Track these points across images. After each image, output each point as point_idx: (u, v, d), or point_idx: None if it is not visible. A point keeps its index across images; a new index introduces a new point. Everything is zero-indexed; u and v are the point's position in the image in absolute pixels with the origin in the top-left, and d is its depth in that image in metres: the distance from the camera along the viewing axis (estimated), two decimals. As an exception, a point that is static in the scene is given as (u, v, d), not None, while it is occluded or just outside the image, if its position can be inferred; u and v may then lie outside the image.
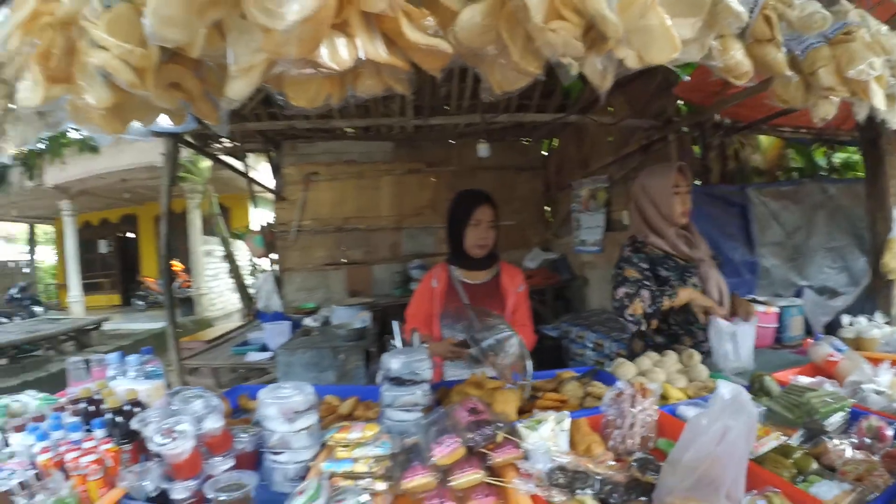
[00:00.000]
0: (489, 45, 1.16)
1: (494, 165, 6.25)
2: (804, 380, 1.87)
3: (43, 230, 17.55)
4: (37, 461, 1.31)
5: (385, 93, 1.30)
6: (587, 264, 5.79)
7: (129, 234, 15.43)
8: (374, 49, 1.09)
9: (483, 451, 1.26)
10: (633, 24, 1.14)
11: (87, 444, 1.34)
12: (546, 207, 6.87)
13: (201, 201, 10.58)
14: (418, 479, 1.20)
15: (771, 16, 1.60)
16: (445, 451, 1.23)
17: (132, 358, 1.75)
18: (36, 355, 8.56)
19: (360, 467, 1.25)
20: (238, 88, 1.06)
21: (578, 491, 1.14)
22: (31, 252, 17.16)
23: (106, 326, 10.08)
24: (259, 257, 6.61)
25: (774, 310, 2.80)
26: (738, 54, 1.50)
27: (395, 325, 2.04)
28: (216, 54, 1.07)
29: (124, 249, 15.45)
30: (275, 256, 6.30)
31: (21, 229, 18.01)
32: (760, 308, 2.77)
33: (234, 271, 7.50)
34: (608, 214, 5.28)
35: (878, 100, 1.79)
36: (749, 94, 3.23)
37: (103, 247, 15.61)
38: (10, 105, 1.28)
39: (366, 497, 1.14)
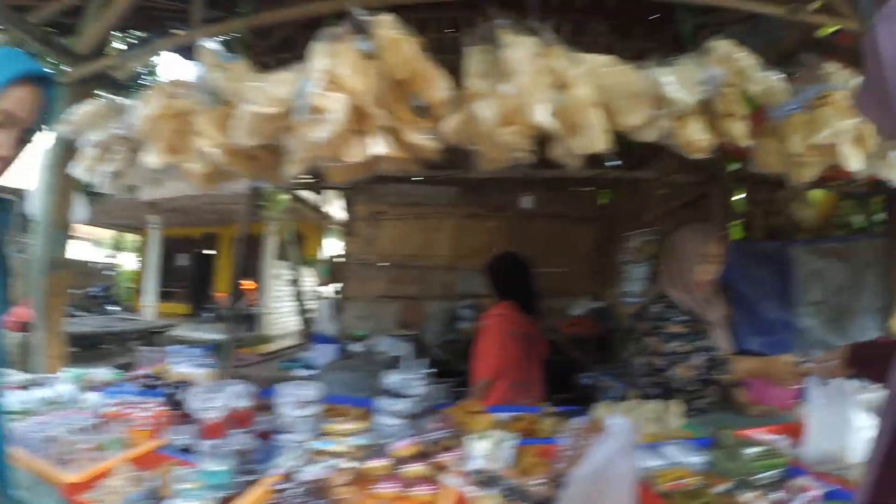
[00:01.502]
0: (465, 142, 1.57)
1: (551, 213, 6.58)
2: (764, 436, 1.89)
3: (129, 238, 18.96)
4: (100, 412, 1.87)
5: (399, 173, 1.79)
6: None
7: (207, 251, 16.38)
8: (384, 147, 1.51)
9: (432, 450, 1.66)
10: (576, 122, 1.51)
11: (142, 406, 1.90)
12: (600, 257, 6.98)
13: (278, 228, 11.26)
14: (376, 463, 1.60)
15: (729, 93, 1.75)
16: (403, 445, 1.66)
17: (191, 350, 2.26)
18: (106, 348, 9.36)
19: (339, 448, 1.68)
20: (291, 171, 1.60)
21: (487, 490, 1.44)
22: (115, 257, 18.87)
23: (173, 332, 10.87)
24: (323, 285, 7.08)
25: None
26: (693, 131, 1.69)
27: None
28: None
29: (201, 264, 16.40)
30: (337, 285, 6.77)
31: (108, 234, 19.46)
32: None
33: (299, 295, 7.99)
34: (653, 267, 5.36)
35: (854, 162, 1.85)
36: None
37: (182, 260, 16.65)
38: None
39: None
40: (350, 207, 6.77)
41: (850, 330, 4.23)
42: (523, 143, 1.50)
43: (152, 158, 1.67)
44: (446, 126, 1.59)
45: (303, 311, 8.57)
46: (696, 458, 1.72)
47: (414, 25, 1.54)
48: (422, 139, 1.56)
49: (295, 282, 8.99)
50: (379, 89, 1.47)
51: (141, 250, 16.30)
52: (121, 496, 1.40)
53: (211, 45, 1.69)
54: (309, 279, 9.46)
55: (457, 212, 6.73)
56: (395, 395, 1.97)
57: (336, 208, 7.41)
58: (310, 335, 6.96)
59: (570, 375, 4.93)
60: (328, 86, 1.40)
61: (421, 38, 1.54)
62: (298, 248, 10.11)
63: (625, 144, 1.82)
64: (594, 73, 1.55)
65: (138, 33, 3.80)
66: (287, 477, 1.54)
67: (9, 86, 1.02)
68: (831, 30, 2.81)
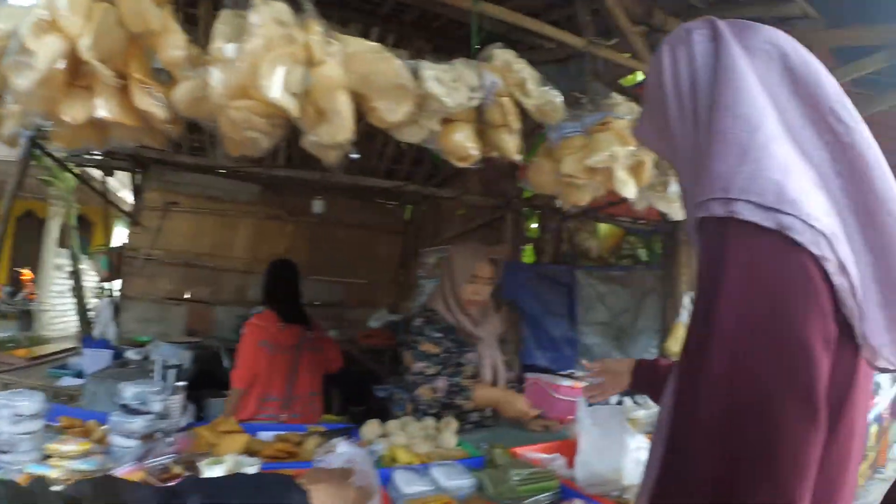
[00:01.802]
0: (203, 116, 1.38)
1: (356, 223, 6.51)
2: (537, 455, 1.86)
3: None
4: None
5: (137, 143, 1.51)
6: (422, 329, 5.97)
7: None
8: (108, 110, 1.29)
9: (161, 477, 1.42)
10: (322, 106, 1.38)
11: None
12: (402, 271, 7.08)
13: (64, 209, 9.96)
14: None
15: (505, 103, 1.72)
16: (125, 472, 1.42)
17: None
18: None
19: (56, 474, 1.43)
20: (7, 128, 1.33)
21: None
22: None
23: None
24: (104, 280, 6.33)
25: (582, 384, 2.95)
26: (460, 138, 1.64)
27: None
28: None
29: (-33, 247, 14.10)
30: (120, 282, 6.01)
31: None
32: (567, 382, 3.02)
33: (77, 291, 7.08)
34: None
35: (627, 189, 1.89)
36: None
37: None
38: None
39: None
40: (139, 193, 6.01)
41: (631, 348, 4.65)
42: (258, 122, 1.32)
43: None
44: (177, 93, 1.37)
45: (82, 310, 7.62)
46: (463, 482, 1.64)
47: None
48: (152, 106, 1.33)
49: (75, 274, 7.98)
50: (110, 39, 1.23)
51: None
52: None
53: None
54: (91, 273, 8.44)
55: (258, 211, 6.34)
56: (132, 411, 1.72)
57: (129, 194, 6.64)
58: (84, 338, 6.21)
59: (367, 387, 4.88)
60: (44, 25, 1.15)
61: None
62: (82, 236, 9.03)
63: (430, 162, 1.75)
64: (350, 56, 1.43)
65: None
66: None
67: None
68: (636, 79, 3.04)
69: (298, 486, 0.77)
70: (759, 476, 0.66)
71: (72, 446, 1.58)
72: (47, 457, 1.55)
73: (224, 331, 5.97)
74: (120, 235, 7.40)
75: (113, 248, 6.11)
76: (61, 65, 1.22)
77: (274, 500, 0.73)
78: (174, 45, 1.37)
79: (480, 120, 1.73)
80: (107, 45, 1.26)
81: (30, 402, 1.61)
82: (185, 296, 6.07)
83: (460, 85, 1.61)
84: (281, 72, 1.30)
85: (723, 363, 0.70)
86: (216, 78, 1.30)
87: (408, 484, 1.57)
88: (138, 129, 1.41)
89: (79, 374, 4.42)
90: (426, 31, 2.95)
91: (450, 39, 2.88)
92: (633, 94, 2.35)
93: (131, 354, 4.62)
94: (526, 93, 1.78)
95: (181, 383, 2.05)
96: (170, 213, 5.98)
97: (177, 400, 1.91)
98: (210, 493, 0.70)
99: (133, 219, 5.97)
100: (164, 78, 1.44)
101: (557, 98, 1.85)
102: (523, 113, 1.85)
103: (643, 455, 1.58)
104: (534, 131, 2.11)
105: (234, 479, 0.77)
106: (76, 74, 1.29)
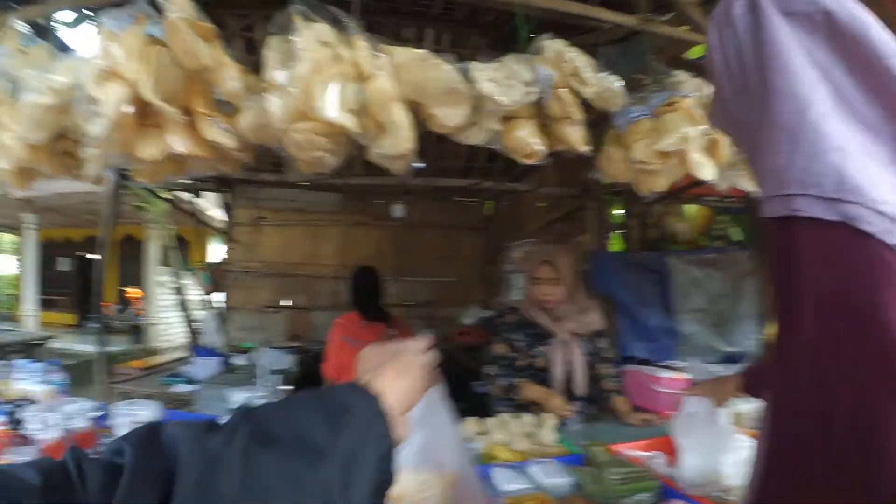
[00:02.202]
0: (269, 140, 1.45)
1: (438, 223, 6.61)
2: (636, 454, 1.80)
3: (7, 238, 17.20)
4: None
5: (214, 171, 1.60)
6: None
7: (91, 255, 15.21)
8: (180, 145, 1.38)
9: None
10: (380, 119, 1.40)
11: None
12: (488, 267, 7.05)
13: (160, 232, 10.63)
14: None
15: (563, 95, 1.66)
16: None
17: (36, 365, 2.22)
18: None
19: None
20: (89, 170, 1.44)
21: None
22: None
23: (55, 345, 9.96)
24: (207, 293, 6.72)
25: (686, 376, 2.87)
26: (523, 136, 1.61)
27: None
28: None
29: (84, 269, 15.16)
30: (222, 294, 6.42)
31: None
32: (667, 373, 2.89)
33: (183, 305, 7.55)
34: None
35: (705, 171, 1.78)
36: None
37: (63, 264, 15.44)
38: None
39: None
40: (230, 211, 6.40)
41: (732, 336, 4.39)
42: (321, 142, 1.37)
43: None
44: (242, 122, 1.44)
45: (188, 322, 8.10)
46: (561, 480, 1.61)
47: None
48: (220, 136, 1.41)
49: (179, 290, 8.50)
50: (169, 79, 1.31)
51: (18, 252, 14.97)
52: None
53: (18, 26, 1.50)
54: (193, 288, 8.97)
55: (342, 219, 6.56)
56: None
57: (219, 212, 7.03)
58: (194, 348, 6.61)
59: (465, 384, 4.92)
60: (105, 74, 1.24)
61: (215, 23, 1.38)
62: (181, 254, 9.59)
63: (505, 156, 1.76)
64: (400, 66, 1.43)
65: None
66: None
67: None
68: (700, 52, 2.90)
69: (365, 389, 0.72)
70: (860, 481, 0.62)
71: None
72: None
73: (323, 334, 6.04)
74: (216, 251, 7.83)
75: (212, 263, 6.48)
76: (129, 109, 1.30)
77: (338, 405, 0.67)
78: (230, 77, 1.44)
79: (541, 115, 1.69)
80: (167, 85, 1.33)
81: (148, 411, 1.82)
82: (283, 303, 6.38)
83: (514, 82, 1.57)
84: (334, 91, 1.32)
85: (813, 378, 0.65)
86: (274, 104, 1.34)
87: (506, 482, 1.57)
88: (212, 159, 1.51)
89: (189, 381, 4.66)
90: (479, 27, 2.93)
91: (503, 32, 2.83)
92: (700, 66, 2.22)
93: (238, 361, 4.87)
94: (583, 81, 1.71)
95: (286, 386, 2.16)
96: (260, 227, 6.33)
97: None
98: (264, 418, 0.63)
99: (227, 235, 6.34)
100: (228, 108, 1.51)
101: (616, 83, 1.76)
102: (585, 102, 1.78)
103: (747, 454, 1.48)
104: (602, 119, 2.04)
105: (291, 400, 0.69)
106: (145, 115, 1.37)
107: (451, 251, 6.71)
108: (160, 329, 12.19)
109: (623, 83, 1.79)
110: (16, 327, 11.91)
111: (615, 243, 5.13)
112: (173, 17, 1.25)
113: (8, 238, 16.98)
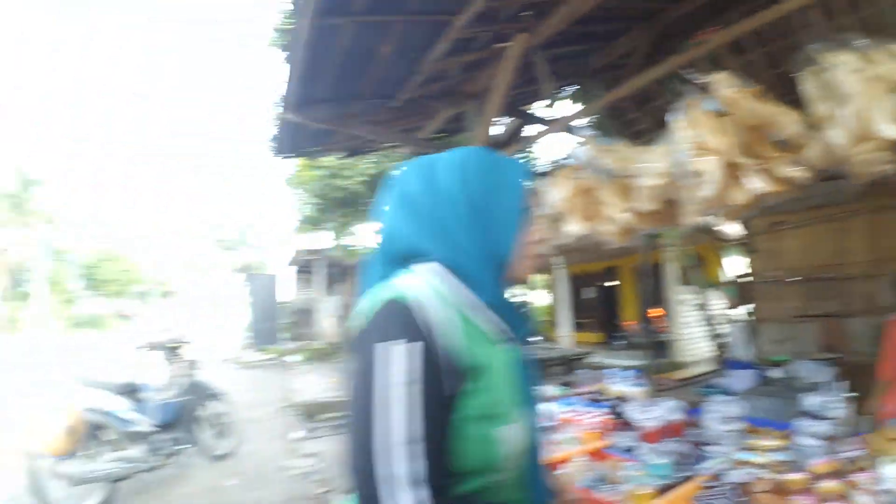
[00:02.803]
0: (831, 165, 1.70)
1: None
2: None
3: (538, 277, 21.31)
4: (557, 417, 2.55)
5: (784, 199, 1.92)
6: None
7: (610, 283, 17.23)
8: (762, 186, 1.73)
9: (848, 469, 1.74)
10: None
11: (591, 415, 2.50)
12: None
13: (677, 253, 11.33)
14: (794, 477, 1.75)
15: None
16: (820, 462, 1.79)
17: (624, 373, 2.73)
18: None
19: (760, 460, 1.90)
20: (688, 221, 1.94)
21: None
22: (525, 294, 21.16)
23: (590, 359, 11.64)
24: (733, 307, 6.86)
25: None
26: None
27: None
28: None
29: (606, 296, 17.37)
30: (748, 306, 6.47)
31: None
32: None
33: (708, 319, 7.92)
34: None
35: None
36: None
37: (588, 293, 17.89)
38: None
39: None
40: (746, 222, 6.31)
41: None
42: (884, 156, 1.51)
43: (574, 228, 2.24)
44: (807, 156, 1.70)
45: (714, 336, 8.40)
46: None
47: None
48: (792, 170, 1.70)
49: (702, 306, 8.92)
50: (740, 139, 1.69)
51: (549, 287, 18.18)
52: (577, 477, 1.91)
53: (587, 131, 2.21)
54: (716, 302, 9.23)
55: (864, 206, 5.48)
56: (815, 416, 2.08)
57: (729, 225, 7.14)
58: (724, 361, 6.82)
59: None
60: (698, 151, 1.69)
61: (758, 83, 1.70)
62: (700, 272, 10.02)
63: None
64: None
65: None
66: (715, 478, 1.83)
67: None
68: None
69: None
70: None
71: (770, 442, 2.04)
72: (745, 447, 2.03)
73: (861, 343, 5.48)
74: (730, 264, 7.92)
75: (735, 277, 6.60)
76: (722, 171, 1.71)
77: None
78: (789, 123, 1.74)
79: None
80: (741, 143, 1.71)
81: (735, 408, 2.28)
82: (810, 312, 5.92)
83: None
84: (885, 111, 1.45)
85: None
86: (837, 135, 1.56)
87: None
88: (784, 191, 1.81)
89: (724, 393, 4.84)
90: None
91: None
92: None
93: (773, 373, 4.86)
94: None
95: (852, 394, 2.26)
96: (778, 232, 6.09)
97: (848, 409, 2.18)
98: None
99: (746, 246, 6.41)
100: (784, 145, 1.80)
101: None
102: None
103: None
104: None
105: None
106: (730, 170, 1.77)
107: None
108: (683, 344, 12.86)
109: None
110: (554, 346, 14.44)
111: None
112: (729, 93, 1.68)
113: (539, 276, 20.86)
